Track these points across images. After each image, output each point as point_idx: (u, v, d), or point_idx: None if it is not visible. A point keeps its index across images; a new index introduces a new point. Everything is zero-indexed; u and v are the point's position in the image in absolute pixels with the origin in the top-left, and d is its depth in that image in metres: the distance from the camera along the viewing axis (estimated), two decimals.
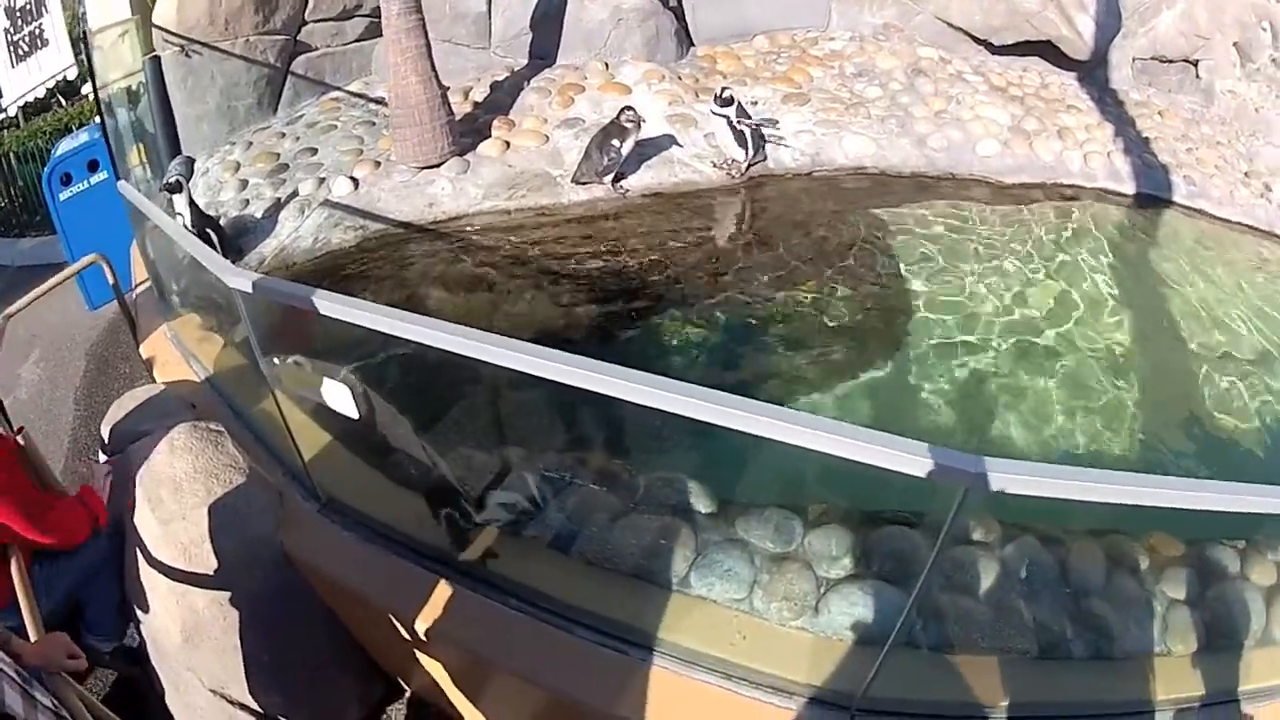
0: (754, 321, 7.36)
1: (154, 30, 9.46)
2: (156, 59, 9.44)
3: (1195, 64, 13.07)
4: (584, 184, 9.11)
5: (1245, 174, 11.22)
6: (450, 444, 5.00)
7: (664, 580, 4.21)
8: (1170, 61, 13.01)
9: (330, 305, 3.59)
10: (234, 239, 8.47)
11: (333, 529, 4.60)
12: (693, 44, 11.62)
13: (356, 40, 10.98)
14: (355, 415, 4.14)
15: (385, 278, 7.95)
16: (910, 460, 2.65)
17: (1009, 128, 10.75)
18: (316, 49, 10.82)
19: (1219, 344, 7.75)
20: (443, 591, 4.18)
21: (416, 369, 5.26)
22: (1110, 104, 11.84)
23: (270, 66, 10.29)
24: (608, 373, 2.95)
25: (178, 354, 6.46)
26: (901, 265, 8.34)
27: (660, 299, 7.59)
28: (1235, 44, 13.00)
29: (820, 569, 4.34)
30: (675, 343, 7.04)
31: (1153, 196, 10.40)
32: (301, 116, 10.32)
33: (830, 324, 7.31)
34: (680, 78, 10.68)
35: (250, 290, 3.86)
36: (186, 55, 9.55)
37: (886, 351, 7.07)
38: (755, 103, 10.33)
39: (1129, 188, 10.46)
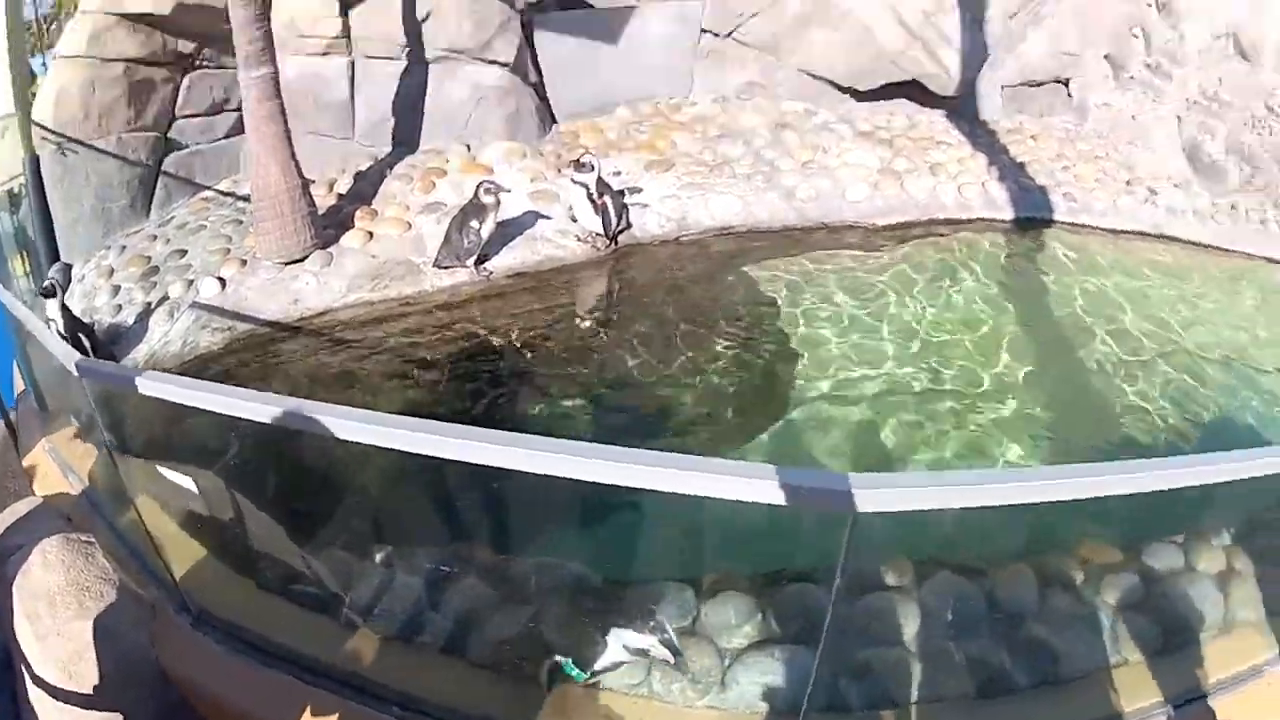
0: (626, 391, 7.75)
1: (33, 128, 10.08)
2: (36, 159, 10.07)
3: (1066, 83, 13.84)
4: (446, 268, 9.59)
5: (1127, 182, 11.99)
6: (322, 545, 4.94)
7: (556, 675, 4.02)
8: (1040, 84, 13.74)
9: (157, 386, 3.59)
10: (107, 345, 8.90)
11: (207, 643, 4.41)
12: (555, 120, 12.30)
13: (226, 136, 11.66)
14: (214, 514, 4.34)
15: (251, 379, 8.30)
16: (788, 489, 2.51)
17: (878, 170, 11.35)
18: (187, 146, 11.47)
19: (1109, 350, 8.40)
20: (325, 704, 4.00)
21: (285, 466, 5.34)
22: (982, 135, 12.53)
23: (142, 165, 10.90)
24: (451, 434, 2.90)
25: (56, 466, 6.37)
26: (774, 319, 8.82)
27: (527, 379, 7.99)
28: (1107, 56, 13.85)
29: (722, 640, 4.22)
30: (545, 419, 7.33)
31: (1033, 219, 11.05)
32: (172, 218, 10.90)
33: (707, 386, 7.72)
34: (542, 154, 11.39)
35: (76, 373, 3.89)
36: (63, 154, 10.17)
37: (769, 407, 7.38)
38: (618, 173, 10.98)
39: (1007, 214, 11.11)
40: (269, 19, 9.33)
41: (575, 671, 3.93)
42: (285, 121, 9.57)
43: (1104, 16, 13.59)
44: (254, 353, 8.84)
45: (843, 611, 3.60)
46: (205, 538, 4.80)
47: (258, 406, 3.32)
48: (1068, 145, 12.76)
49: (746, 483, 2.51)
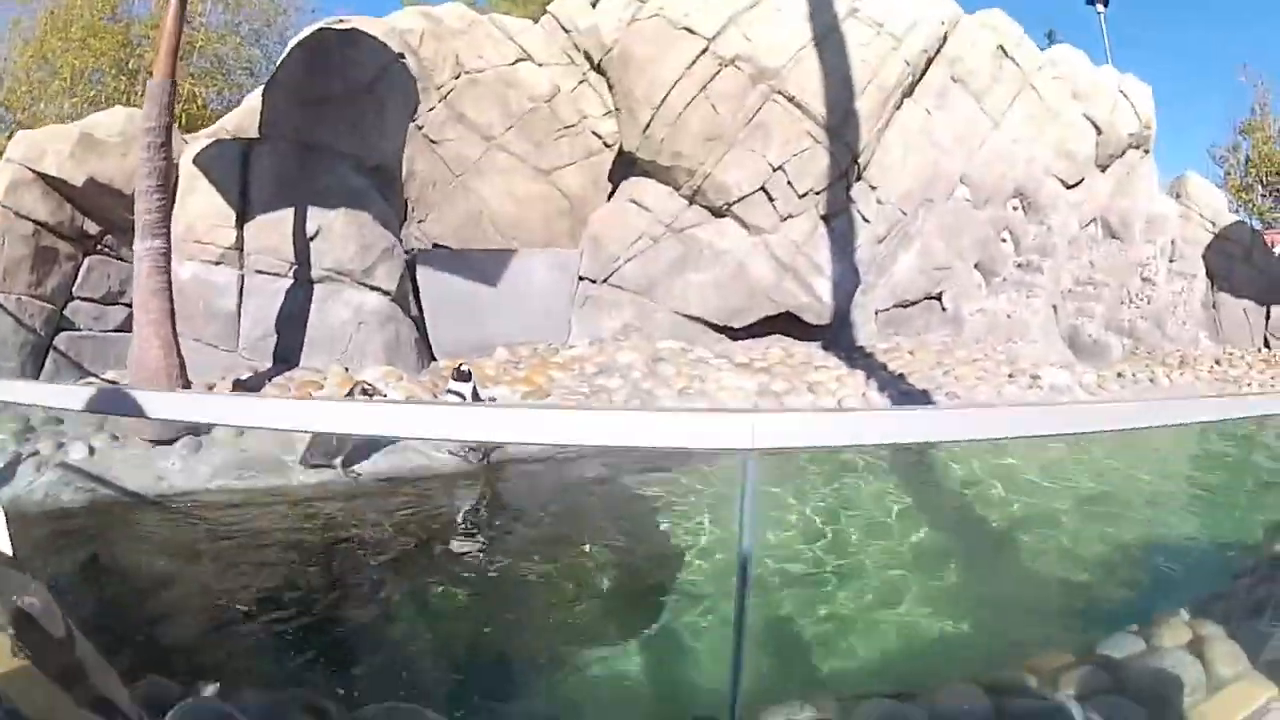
0: (506, 586, 7.65)
1: None
2: None
3: (939, 297, 14.77)
4: (314, 466, 9.76)
5: (1009, 375, 12.58)
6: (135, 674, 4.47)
7: None
8: (913, 303, 14.61)
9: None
10: None
11: None
12: (434, 358, 12.82)
13: (116, 330, 12.14)
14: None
15: (108, 541, 8.51)
16: (687, 432, 2.38)
17: (756, 392, 11.74)
18: (80, 329, 11.94)
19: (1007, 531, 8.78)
20: None
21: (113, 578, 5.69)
22: (859, 357, 13.13)
23: (36, 334, 11.30)
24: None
25: None
26: (648, 530, 8.93)
27: (378, 574, 7.84)
28: (977, 265, 14.93)
29: None
30: (387, 614, 7.10)
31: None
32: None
33: (574, 590, 7.63)
34: (420, 381, 11.90)
35: None
36: None
37: (638, 609, 7.12)
38: (494, 399, 11.38)
39: None
40: (170, 189, 10.05)
41: None
42: (172, 301, 10.07)
43: (971, 227, 14.60)
44: (113, 517, 9.07)
45: None
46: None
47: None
48: (946, 355, 13.49)
49: (646, 429, 2.43)
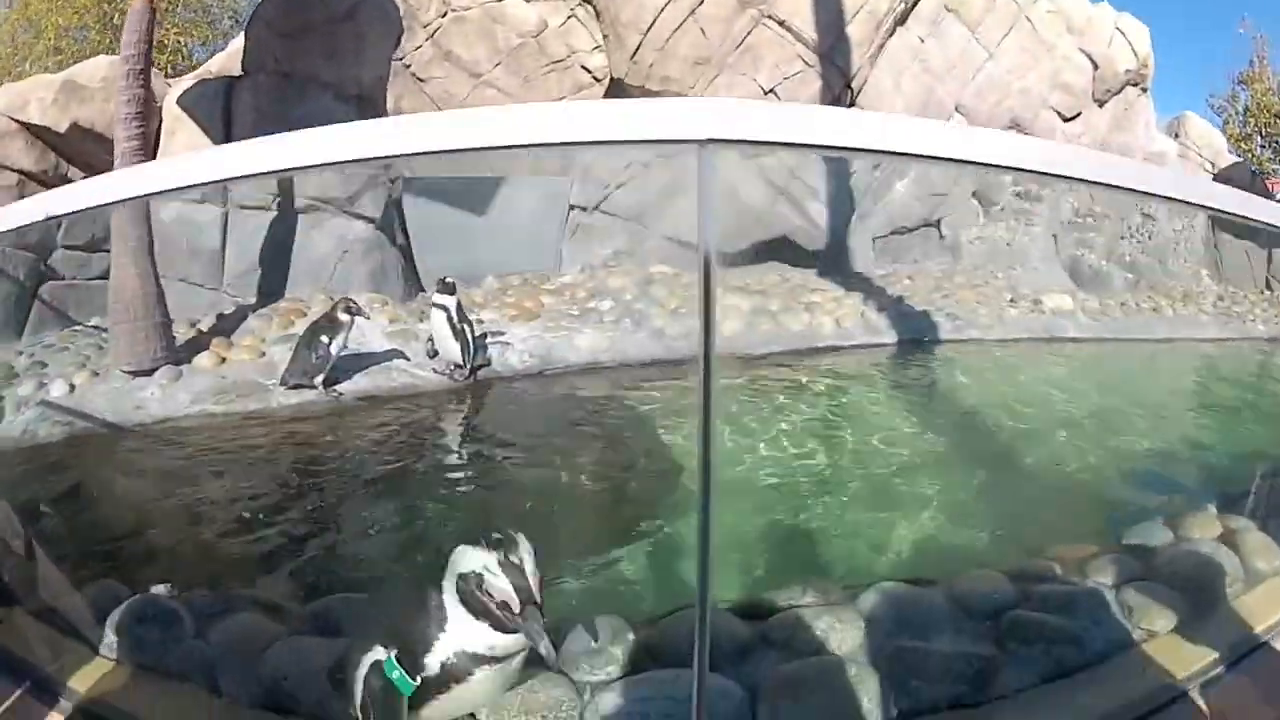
0: (491, 499, 7.34)
1: None
2: None
3: (937, 224, 14.58)
4: (294, 387, 9.49)
5: (1010, 300, 12.34)
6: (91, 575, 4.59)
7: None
8: (911, 230, 14.42)
9: None
10: None
11: None
12: (422, 289, 12.50)
13: (101, 277, 11.71)
14: None
15: (83, 471, 8.17)
16: (639, 123, 2.03)
17: (751, 311, 11.49)
18: (64, 278, 11.67)
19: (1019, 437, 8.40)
20: None
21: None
22: (857, 282, 12.81)
23: (19, 285, 11.07)
24: None
25: None
26: (638, 438, 8.66)
27: (359, 489, 7.66)
28: (975, 193, 14.65)
29: (580, 671, 3.45)
30: (373, 526, 6.84)
31: (917, 340, 11.21)
32: (40, 343, 10.95)
33: (564, 499, 7.23)
34: (407, 306, 11.70)
35: None
36: None
37: (660, 507, 6.79)
38: (482, 322, 11.10)
39: (890, 338, 11.33)
40: (149, 118, 9.88)
41: (398, 675, 2.70)
42: (150, 230, 9.84)
43: None
44: (90, 447, 8.95)
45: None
46: None
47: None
48: (945, 281, 13.24)
49: (594, 121, 2.07)
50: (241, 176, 2.29)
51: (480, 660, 2.63)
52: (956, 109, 16.05)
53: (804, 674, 3.36)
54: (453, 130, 2.11)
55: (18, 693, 3.36)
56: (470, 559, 2.58)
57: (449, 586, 2.64)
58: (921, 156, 2.04)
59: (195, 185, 2.59)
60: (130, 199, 2.64)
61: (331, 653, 3.24)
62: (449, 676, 2.66)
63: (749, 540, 5.94)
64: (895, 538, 6.13)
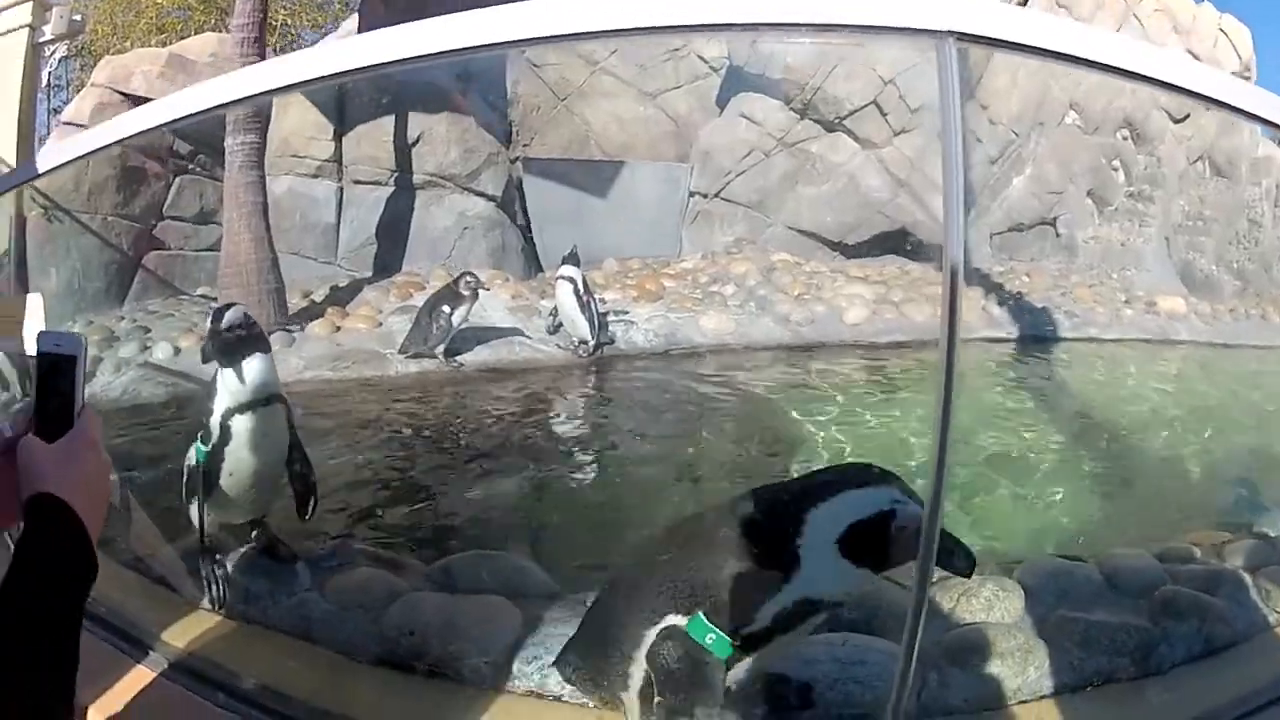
0: (595, 479, 6.56)
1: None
2: (24, 221, 9.23)
3: (1053, 223, 13.59)
4: (413, 356, 8.58)
5: (1125, 300, 11.56)
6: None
7: (474, 675, 2.82)
8: (1028, 228, 13.46)
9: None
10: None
11: None
12: (541, 269, 11.60)
13: (208, 249, 11.03)
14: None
15: (180, 427, 7.00)
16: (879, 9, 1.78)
17: (874, 300, 10.63)
18: (169, 248, 10.93)
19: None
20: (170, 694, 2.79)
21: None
22: (976, 278, 11.89)
23: (123, 253, 10.34)
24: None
25: None
26: (770, 421, 7.80)
27: (479, 460, 6.72)
28: (1089, 191, 13.66)
29: None
30: (496, 497, 6.00)
31: (1038, 336, 10.44)
32: (144, 309, 10.22)
33: (698, 478, 6.49)
34: (528, 283, 10.77)
35: None
36: (49, 219, 9.50)
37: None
38: (605, 301, 10.03)
39: (1011, 332, 10.45)
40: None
41: (714, 639, 2.23)
42: (265, 196, 9.16)
43: (1082, 153, 13.51)
44: (190, 408, 7.69)
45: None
46: None
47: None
48: (1061, 279, 12.34)
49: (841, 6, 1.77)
50: (277, 90, 2.31)
51: (824, 606, 2.29)
52: (1071, 106, 14.73)
53: (972, 639, 3.02)
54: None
55: (114, 647, 2.93)
56: (872, 499, 2.19)
57: (823, 533, 2.18)
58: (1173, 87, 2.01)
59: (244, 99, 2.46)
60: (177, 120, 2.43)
61: (464, 610, 3.06)
62: (780, 626, 2.26)
63: None
64: (1036, 519, 5.78)
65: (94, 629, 2.89)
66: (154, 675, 2.81)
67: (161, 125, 2.50)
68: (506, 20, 1.90)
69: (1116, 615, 3.20)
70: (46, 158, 2.97)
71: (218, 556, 3.24)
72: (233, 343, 2.83)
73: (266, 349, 2.93)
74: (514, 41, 1.95)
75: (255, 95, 2.40)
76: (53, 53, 11.26)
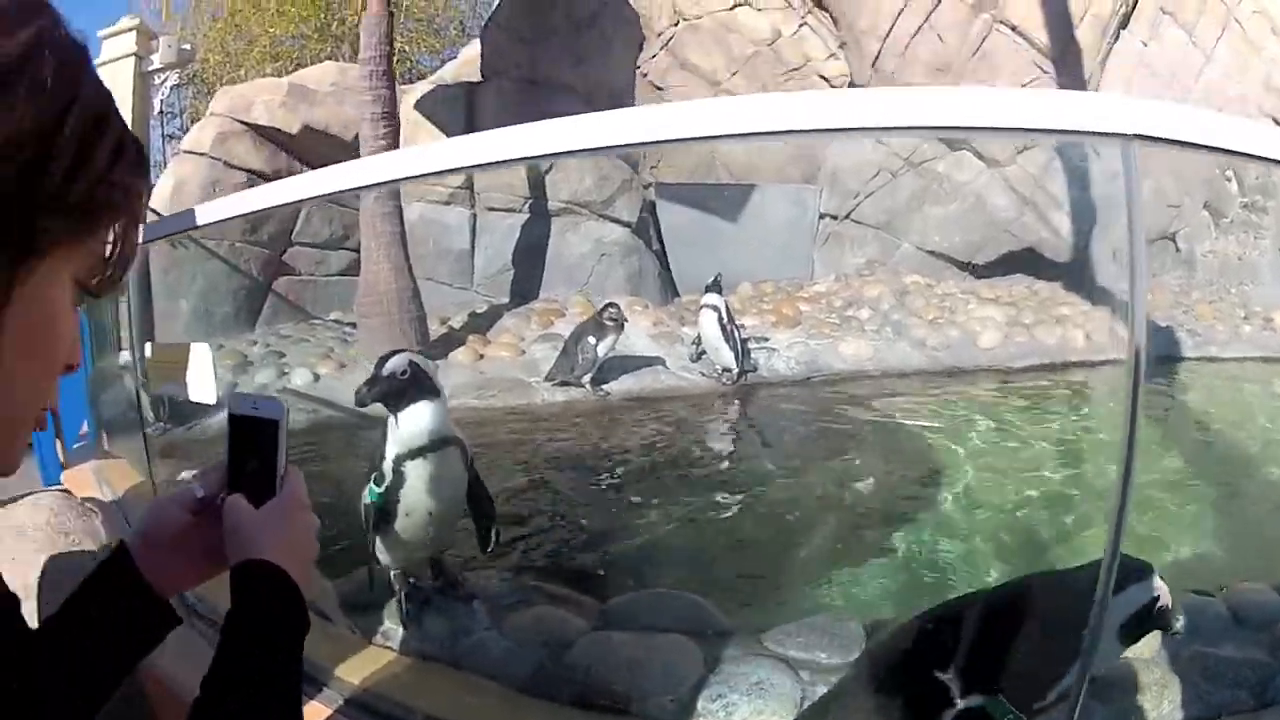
0: (759, 506, 6.23)
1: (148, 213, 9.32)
2: (146, 252, 9.14)
3: (1173, 237, 13.37)
4: (559, 384, 8.35)
5: (1244, 316, 11.28)
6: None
7: (659, 712, 2.74)
8: (1150, 242, 12.84)
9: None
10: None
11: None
12: (677, 293, 11.42)
13: (339, 274, 11.01)
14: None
15: (326, 456, 6.81)
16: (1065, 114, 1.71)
17: (1006, 323, 10.39)
18: (299, 274, 10.90)
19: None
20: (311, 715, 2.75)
21: None
22: (1100, 296, 11.55)
23: (252, 278, 10.30)
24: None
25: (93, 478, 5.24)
26: (916, 451, 7.37)
27: (630, 490, 6.48)
28: (1206, 204, 13.43)
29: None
30: (663, 527, 5.74)
31: (1165, 356, 10.09)
32: (276, 334, 10.13)
33: (842, 510, 6.06)
34: (666, 309, 10.50)
35: None
36: (174, 246, 9.28)
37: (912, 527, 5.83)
38: (744, 327, 9.64)
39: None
40: (395, 117, 9.08)
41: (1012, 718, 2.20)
42: (403, 225, 9.02)
43: (1197, 166, 13.12)
44: (332, 434, 7.72)
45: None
46: None
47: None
48: (1182, 296, 12.12)
49: (996, 108, 1.67)
50: (482, 165, 2.32)
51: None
52: None
53: (1117, 674, 2.89)
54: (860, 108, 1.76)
55: None
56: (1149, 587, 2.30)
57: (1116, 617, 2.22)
58: None
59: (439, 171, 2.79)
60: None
61: (648, 648, 2.97)
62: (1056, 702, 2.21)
63: (1019, 546, 5.42)
64: (1161, 548, 5.24)
65: None
66: (329, 711, 2.74)
67: (318, 196, 2.53)
68: (652, 119, 1.90)
69: (1241, 650, 3.08)
70: (207, 211, 2.94)
71: (405, 593, 3.14)
72: (398, 389, 2.71)
73: (435, 394, 2.79)
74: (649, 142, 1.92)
75: (410, 178, 2.38)
76: (163, 80, 11.10)
